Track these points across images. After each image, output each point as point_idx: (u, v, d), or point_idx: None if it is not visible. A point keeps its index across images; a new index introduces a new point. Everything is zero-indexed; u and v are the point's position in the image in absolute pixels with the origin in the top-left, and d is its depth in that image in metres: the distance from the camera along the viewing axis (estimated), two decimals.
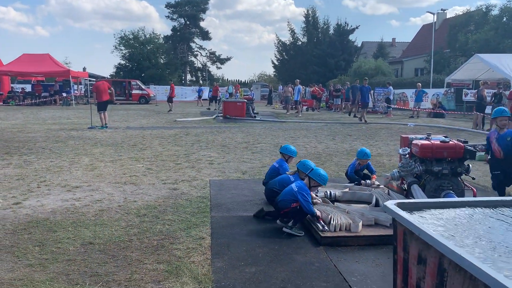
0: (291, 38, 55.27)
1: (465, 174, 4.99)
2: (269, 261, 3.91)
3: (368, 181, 6.40)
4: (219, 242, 4.36)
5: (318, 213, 4.66)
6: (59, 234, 4.53)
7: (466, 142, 5.00)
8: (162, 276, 3.58)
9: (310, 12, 52.97)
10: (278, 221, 4.84)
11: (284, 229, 4.63)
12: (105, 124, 15.09)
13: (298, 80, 23.38)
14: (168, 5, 59.09)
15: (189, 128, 15.43)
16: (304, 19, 53.24)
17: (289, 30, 56.16)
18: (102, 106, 15.09)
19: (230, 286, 3.41)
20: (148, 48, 54.06)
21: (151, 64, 53.02)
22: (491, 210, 2.60)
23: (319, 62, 48.06)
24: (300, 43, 54.42)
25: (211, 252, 4.09)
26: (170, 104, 24.54)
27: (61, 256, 3.96)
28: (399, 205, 2.61)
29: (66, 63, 48.80)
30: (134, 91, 35.31)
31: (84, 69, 45.13)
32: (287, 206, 4.64)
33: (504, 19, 32.90)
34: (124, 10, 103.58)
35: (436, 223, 2.40)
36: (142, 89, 35.89)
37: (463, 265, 1.79)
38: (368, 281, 3.54)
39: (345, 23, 49.75)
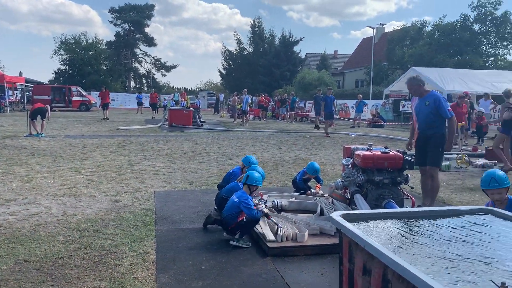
0: (237, 48, 55.81)
1: (404, 184, 5.21)
2: (216, 274, 3.85)
3: (312, 190, 6.53)
4: (165, 256, 4.24)
5: (266, 210, 4.71)
6: None
7: (405, 152, 5.23)
8: None
9: (256, 22, 53.81)
10: (224, 233, 4.79)
11: (231, 242, 4.59)
12: (40, 132, 14.37)
13: (245, 90, 23.51)
14: (111, 10, 57.64)
15: (133, 137, 15.01)
16: (250, 29, 54.05)
17: (236, 40, 56.70)
18: (34, 114, 14.38)
19: None
20: (90, 53, 52.34)
21: (93, 70, 51.36)
22: (432, 220, 2.72)
23: (265, 72, 48.79)
24: (246, 52, 55.01)
25: (156, 267, 3.97)
26: (104, 111, 23.57)
27: None
28: (345, 216, 2.67)
29: (0, 67, 46.01)
30: (74, 98, 33.94)
31: (21, 74, 42.85)
32: (233, 222, 4.61)
33: (437, 35, 35.14)
34: (64, 13, 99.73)
35: (381, 234, 2.47)
36: (83, 96, 34.60)
37: (406, 276, 1.85)
38: None
39: (290, 34, 51.01)
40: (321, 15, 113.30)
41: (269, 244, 4.43)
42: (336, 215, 2.64)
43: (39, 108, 14.58)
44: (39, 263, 3.99)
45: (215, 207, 5.50)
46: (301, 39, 51.84)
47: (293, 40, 50.78)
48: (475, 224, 2.68)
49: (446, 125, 5.92)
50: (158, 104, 31.53)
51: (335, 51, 59.12)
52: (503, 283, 1.46)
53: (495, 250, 2.25)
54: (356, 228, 2.41)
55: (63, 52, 52.48)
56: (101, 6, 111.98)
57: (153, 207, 5.99)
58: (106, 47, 56.33)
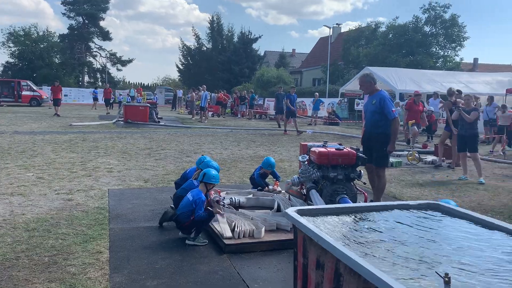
0: (196, 43, 55.11)
1: (357, 179, 5.35)
2: (171, 273, 3.81)
3: (270, 187, 6.58)
4: (118, 255, 4.14)
5: (220, 211, 4.77)
6: None
7: (358, 149, 5.38)
8: None
9: (215, 18, 53.33)
10: (180, 233, 4.74)
11: (187, 241, 4.54)
12: None
13: (204, 86, 23.30)
14: (64, 2, 55.30)
15: (86, 133, 14.54)
16: (209, 25, 53.44)
17: (194, 35, 55.87)
18: None
19: None
20: (42, 46, 50.02)
21: (45, 63, 49.12)
22: (383, 214, 2.81)
23: (224, 68, 48.57)
24: (205, 48, 54.48)
25: (109, 267, 3.87)
26: (56, 107, 22.59)
27: None
28: (299, 211, 2.71)
29: None
30: (24, 93, 32.39)
31: None
32: (187, 219, 4.55)
33: (390, 36, 36.28)
34: (13, 3, 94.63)
35: (334, 229, 2.53)
36: (33, 90, 33.09)
37: (357, 269, 1.91)
38: (270, 287, 3.62)
39: (249, 31, 50.99)
40: (280, 13, 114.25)
41: (226, 241, 4.42)
42: (291, 211, 2.68)
43: None
44: None
45: (172, 205, 5.43)
46: (260, 37, 52.02)
47: (252, 37, 50.80)
48: (423, 218, 2.80)
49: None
50: (113, 99, 30.66)
51: (293, 50, 59.75)
52: (446, 274, 1.54)
53: (440, 243, 2.36)
54: (310, 223, 2.46)
55: (11, 45, 49.91)
56: None
57: (107, 206, 5.83)
58: (58, 40, 54.05)
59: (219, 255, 4.27)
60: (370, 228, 2.62)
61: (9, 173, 7.72)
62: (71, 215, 5.35)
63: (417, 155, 10.56)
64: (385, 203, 3.16)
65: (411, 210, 2.97)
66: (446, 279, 1.51)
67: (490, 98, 15.08)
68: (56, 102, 22.62)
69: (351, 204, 3.98)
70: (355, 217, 2.82)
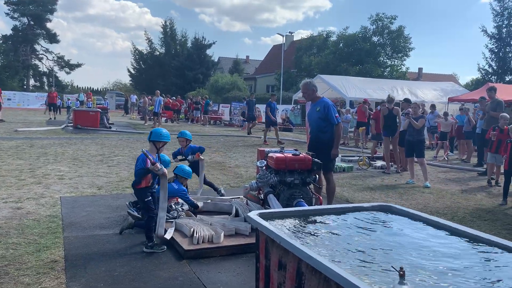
0: (148, 48, 54.20)
1: (313, 184, 5.53)
2: (130, 279, 3.78)
3: (190, 156, 6.69)
4: (75, 264, 4.05)
5: (163, 169, 4.54)
6: None
7: (314, 155, 5.56)
8: None
9: (168, 23, 52.80)
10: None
11: (144, 249, 4.50)
12: None
13: (158, 91, 22.95)
14: (8, 2, 52.65)
15: (33, 139, 13.94)
16: (162, 29, 52.79)
17: (146, 40, 54.85)
18: None
19: None
20: None
21: None
22: (339, 216, 2.96)
23: (177, 74, 48.10)
24: (158, 53, 53.73)
25: (65, 275, 3.78)
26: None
27: None
28: (261, 215, 2.80)
29: None
30: None
31: None
32: (139, 180, 4.53)
33: (341, 45, 37.47)
34: None
35: (294, 231, 2.64)
36: None
37: (318, 267, 2.02)
38: None
39: (203, 37, 50.83)
40: (233, 20, 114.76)
41: (185, 247, 4.44)
42: (253, 214, 2.76)
43: None
44: None
45: (128, 211, 5.36)
46: (214, 43, 52.05)
47: (205, 43, 50.69)
48: (376, 218, 2.97)
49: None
50: (60, 104, 29.41)
51: (247, 56, 60.23)
52: (401, 268, 1.67)
53: (392, 241, 2.52)
54: (271, 226, 2.55)
55: None
56: None
57: (60, 214, 5.66)
58: (1, 41, 51.48)
59: (179, 261, 4.28)
60: (327, 228, 2.75)
61: None
62: (21, 224, 5.15)
63: (367, 160, 10.99)
64: (340, 206, 3.32)
65: (364, 211, 3.14)
66: (401, 272, 1.65)
67: (432, 107, 15.94)
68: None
69: (309, 207, 4.12)
70: (313, 219, 2.95)
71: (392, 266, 1.82)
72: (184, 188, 5.79)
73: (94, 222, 5.39)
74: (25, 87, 54.16)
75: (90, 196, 6.73)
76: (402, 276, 1.64)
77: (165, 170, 4.51)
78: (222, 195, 6.80)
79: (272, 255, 2.53)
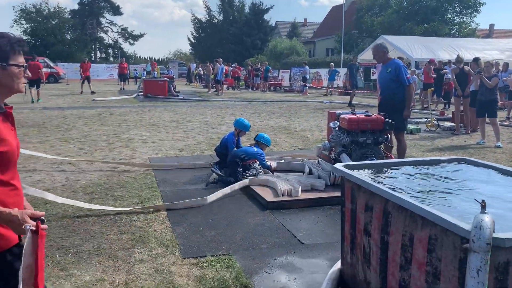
0: (207, 16, 54.80)
1: (385, 143, 5.77)
2: (225, 225, 4.32)
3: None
4: (175, 213, 4.66)
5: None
6: None
7: (386, 115, 5.76)
8: (129, 244, 3.83)
9: None
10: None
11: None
12: (38, 98, 16.90)
13: (220, 59, 23.52)
14: None
15: (111, 108, 15.06)
16: None
17: (205, 8, 55.51)
18: (33, 83, 16.60)
19: (195, 247, 3.78)
20: (53, 22, 50.30)
21: (57, 40, 49.50)
22: (416, 167, 3.25)
23: (235, 41, 48.44)
24: (216, 21, 54.18)
25: (169, 221, 4.40)
26: (87, 84, 21.42)
27: None
28: (346, 166, 3.16)
29: None
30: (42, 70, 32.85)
31: None
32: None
33: (405, 3, 35.80)
34: None
35: (375, 179, 2.98)
36: (50, 67, 33.56)
37: (404, 205, 2.35)
38: (313, 235, 4.11)
39: (260, 2, 50.45)
40: None
41: (268, 199, 4.92)
42: (340, 165, 3.13)
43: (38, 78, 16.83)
44: (59, 221, 4.35)
45: (212, 169, 5.94)
46: (271, 7, 51.48)
47: (263, 8, 50.38)
48: (454, 169, 3.23)
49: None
50: (128, 74, 30.87)
51: (305, 19, 59.06)
52: (483, 200, 1.95)
53: (470, 185, 2.80)
54: (358, 174, 2.90)
55: (24, 22, 50.30)
56: None
57: (152, 172, 6.36)
58: (69, 16, 54.25)
59: (263, 211, 4.77)
60: (406, 177, 3.06)
61: (52, 145, 8.27)
62: (121, 180, 5.88)
63: (435, 122, 10.89)
64: (416, 158, 3.58)
65: (441, 163, 3.39)
66: (483, 203, 1.93)
67: (505, 65, 15.17)
68: (87, 79, 21.61)
69: (387, 160, 4.41)
70: (391, 170, 3.26)
71: (475, 199, 2.11)
72: (262, 152, 6.25)
73: (182, 179, 6.02)
74: (92, 59, 57.10)
75: (174, 157, 7.40)
76: (483, 207, 1.92)
77: None
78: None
79: (359, 199, 2.89)
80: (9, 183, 1.78)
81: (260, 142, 6.34)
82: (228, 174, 5.84)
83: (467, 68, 10.22)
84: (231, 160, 5.91)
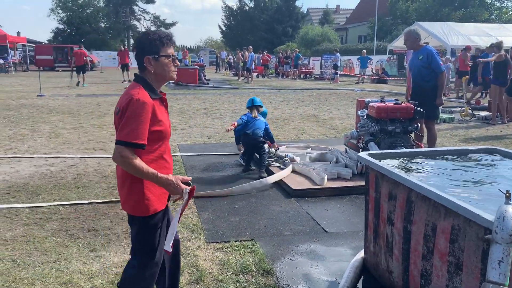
0: (238, 3, 54.65)
1: (415, 132, 5.65)
2: (249, 211, 4.37)
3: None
4: (201, 198, 4.74)
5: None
6: (45, 197, 4.71)
7: (417, 103, 5.63)
8: None
9: None
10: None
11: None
12: (83, 83, 18.50)
13: (251, 47, 23.48)
14: None
15: None
16: None
17: None
18: (79, 69, 18.69)
19: (220, 233, 3.84)
20: (88, 11, 51.45)
21: (92, 28, 50.67)
22: (444, 157, 3.18)
23: (266, 28, 48.15)
24: (247, 8, 53.98)
25: (196, 206, 4.48)
26: (126, 72, 21.38)
27: (53, 215, 4.19)
28: (370, 155, 3.12)
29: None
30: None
31: (19, 33, 42.33)
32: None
33: None
34: None
35: (401, 168, 2.93)
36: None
37: (428, 194, 2.32)
38: (337, 224, 4.10)
39: None
40: None
41: (293, 187, 4.93)
42: (364, 154, 3.09)
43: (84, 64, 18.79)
44: (90, 205, 4.51)
45: (242, 157, 6.00)
46: None
47: None
48: (483, 159, 3.14)
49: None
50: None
51: (337, 6, 58.09)
52: (507, 191, 1.90)
53: (497, 176, 2.72)
54: (383, 163, 2.87)
55: (60, 11, 51.68)
56: None
57: (180, 158, 6.47)
58: (104, 5, 55.33)
59: (288, 199, 4.79)
60: (432, 166, 3.00)
61: (85, 131, 8.53)
62: None
63: (470, 111, 10.55)
64: (444, 148, 3.50)
65: (470, 154, 3.31)
66: (507, 194, 1.88)
67: None
68: (126, 67, 21.53)
69: (414, 149, 4.32)
70: (418, 159, 3.20)
71: (499, 189, 2.06)
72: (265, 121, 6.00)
73: (210, 166, 6.10)
74: (125, 47, 58.15)
75: (202, 144, 7.50)
76: (508, 197, 1.87)
77: None
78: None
79: (382, 188, 2.86)
80: (162, 157, 2.19)
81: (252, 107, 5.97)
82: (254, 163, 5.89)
83: (506, 55, 9.81)
84: (257, 142, 5.69)
